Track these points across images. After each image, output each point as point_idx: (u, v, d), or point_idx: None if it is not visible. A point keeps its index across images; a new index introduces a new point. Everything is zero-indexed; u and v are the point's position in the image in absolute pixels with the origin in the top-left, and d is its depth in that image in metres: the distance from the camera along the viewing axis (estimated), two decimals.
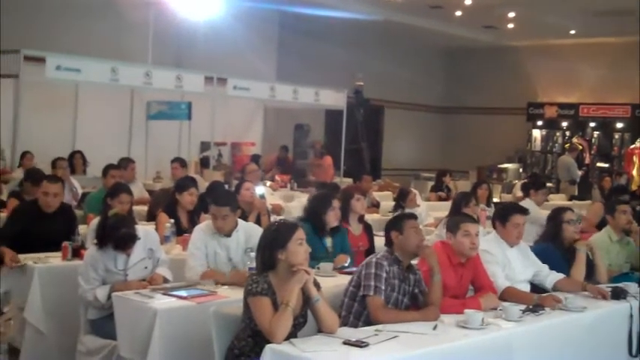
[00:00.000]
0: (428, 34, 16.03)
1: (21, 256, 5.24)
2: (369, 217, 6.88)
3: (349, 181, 12.40)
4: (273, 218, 6.59)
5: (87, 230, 5.85)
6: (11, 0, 10.80)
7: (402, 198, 8.76)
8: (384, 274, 3.99)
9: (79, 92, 11.21)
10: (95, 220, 5.46)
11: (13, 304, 2.30)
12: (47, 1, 11.21)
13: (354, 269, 5.08)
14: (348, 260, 5.53)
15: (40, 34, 10.75)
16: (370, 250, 6.00)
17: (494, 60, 18.05)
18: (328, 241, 5.63)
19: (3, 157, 9.48)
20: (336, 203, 5.68)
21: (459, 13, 14.67)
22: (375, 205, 9.57)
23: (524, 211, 5.06)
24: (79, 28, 11.38)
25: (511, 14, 14.83)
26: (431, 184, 13.21)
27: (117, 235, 4.58)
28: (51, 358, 5.08)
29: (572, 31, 15.95)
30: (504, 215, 4.98)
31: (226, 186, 8.37)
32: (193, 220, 6.31)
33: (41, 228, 5.60)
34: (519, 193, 10.42)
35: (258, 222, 6.21)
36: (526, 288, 4.86)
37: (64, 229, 5.62)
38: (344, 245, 5.74)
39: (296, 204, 9.07)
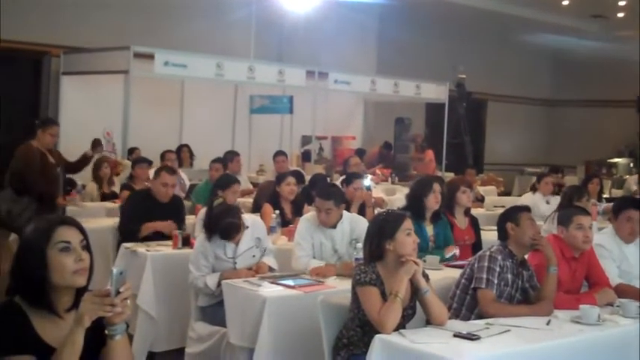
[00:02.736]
0: (532, 25, 15.58)
1: (134, 245, 5.43)
2: (474, 212, 6.74)
3: (451, 175, 12.20)
4: (377, 211, 6.55)
5: (195, 220, 6.01)
6: None
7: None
8: (498, 268, 3.89)
9: (185, 87, 11.49)
10: (203, 210, 5.58)
11: (129, 285, 2.34)
12: (155, 0, 11.55)
13: (461, 262, 5.01)
14: (457, 250, 5.45)
15: (149, 31, 11.08)
16: (477, 244, 5.87)
17: (602, 51, 17.34)
18: (429, 230, 5.52)
19: (114, 150, 9.82)
20: (437, 187, 5.56)
21: (565, 3, 14.22)
22: (479, 200, 9.39)
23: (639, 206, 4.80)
24: (185, 24, 11.68)
25: (622, 2, 14.21)
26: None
27: (222, 225, 4.64)
28: (162, 344, 5.24)
29: None
30: (617, 208, 4.82)
31: (327, 179, 8.40)
32: (297, 212, 6.37)
33: (154, 217, 5.76)
34: (634, 187, 10.00)
35: (360, 213, 6.18)
36: None
37: (173, 218, 5.79)
38: (447, 238, 5.62)
39: (398, 197, 9.00)
